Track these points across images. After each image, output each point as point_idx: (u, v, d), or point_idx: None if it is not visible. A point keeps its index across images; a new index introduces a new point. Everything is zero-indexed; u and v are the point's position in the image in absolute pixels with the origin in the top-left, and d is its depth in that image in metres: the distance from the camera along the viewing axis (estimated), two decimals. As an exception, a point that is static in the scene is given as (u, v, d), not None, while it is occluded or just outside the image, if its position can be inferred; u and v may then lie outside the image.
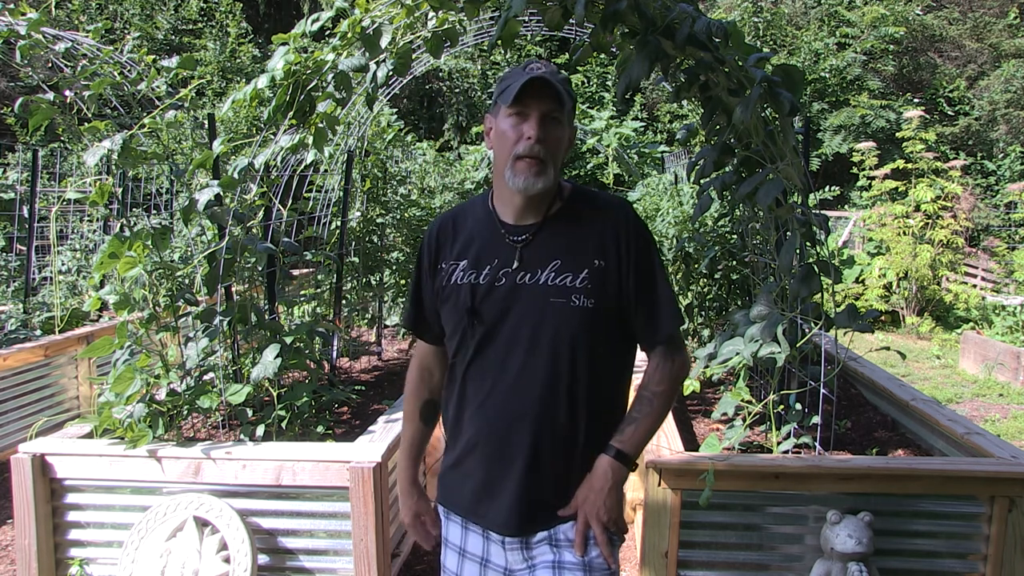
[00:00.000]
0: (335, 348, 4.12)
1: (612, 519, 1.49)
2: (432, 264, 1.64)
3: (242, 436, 2.77)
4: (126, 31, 11.84)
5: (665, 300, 1.56)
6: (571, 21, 2.71)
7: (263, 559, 2.58)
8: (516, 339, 1.52)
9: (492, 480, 1.55)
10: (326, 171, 4.46)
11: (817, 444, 2.59)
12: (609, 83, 13.70)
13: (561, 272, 1.52)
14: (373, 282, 4.93)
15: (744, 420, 2.68)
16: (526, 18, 3.92)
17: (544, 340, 1.50)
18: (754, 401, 2.64)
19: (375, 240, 4.91)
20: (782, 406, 2.71)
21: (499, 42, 2.44)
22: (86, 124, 3.07)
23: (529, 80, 1.45)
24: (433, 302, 1.64)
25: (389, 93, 4.50)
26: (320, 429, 2.98)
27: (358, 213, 4.70)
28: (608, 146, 9.83)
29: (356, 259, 4.76)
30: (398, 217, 4.91)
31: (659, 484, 2.40)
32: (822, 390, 2.54)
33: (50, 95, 2.89)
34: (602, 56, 2.94)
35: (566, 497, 1.53)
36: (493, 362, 1.54)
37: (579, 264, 1.52)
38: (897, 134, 10.35)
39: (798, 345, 2.52)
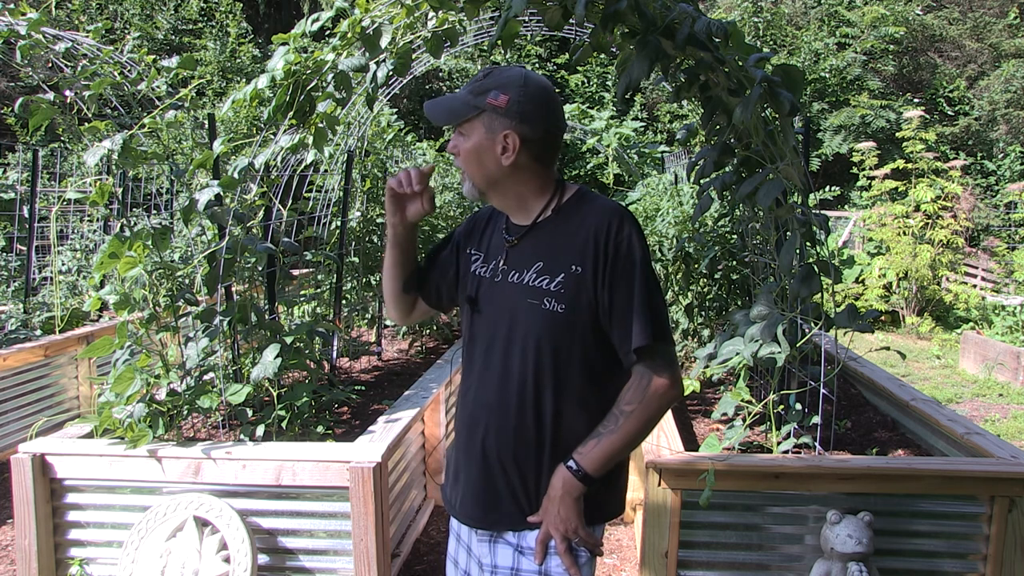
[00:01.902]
0: (335, 348, 4.11)
1: (571, 529, 1.48)
2: (462, 242, 1.72)
3: (242, 436, 2.77)
4: (126, 31, 11.85)
5: (642, 313, 1.48)
6: (571, 21, 2.71)
7: (263, 559, 2.58)
8: (497, 335, 1.56)
9: (459, 469, 1.62)
10: (326, 171, 4.46)
11: (817, 444, 2.59)
12: (609, 83, 13.71)
13: (541, 274, 1.53)
14: (373, 282, 4.93)
15: (744, 420, 2.68)
16: (526, 18, 3.92)
17: (516, 339, 1.53)
18: (754, 401, 2.64)
19: (375, 240, 4.91)
20: (782, 406, 2.71)
21: (499, 42, 2.44)
22: (86, 124, 3.07)
23: (424, 107, 1.57)
24: (442, 265, 1.74)
25: (389, 93, 4.50)
26: (320, 429, 2.98)
27: (358, 213, 4.70)
28: (608, 146, 9.83)
29: (356, 259, 4.76)
30: (398, 217, 4.90)
31: (659, 484, 2.40)
32: (822, 390, 2.54)
33: (50, 95, 2.89)
34: (602, 56, 2.94)
35: (535, 500, 1.54)
36: (480, 353, 1.60)
37: (557, 268, 1.52)
38: (897, 134, 10.36)
39: (798, 345, 2.52)
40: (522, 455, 1.53)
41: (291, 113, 2.82)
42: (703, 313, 4.20)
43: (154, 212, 6.83)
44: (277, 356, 2.75)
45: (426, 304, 1.81)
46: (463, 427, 1.62)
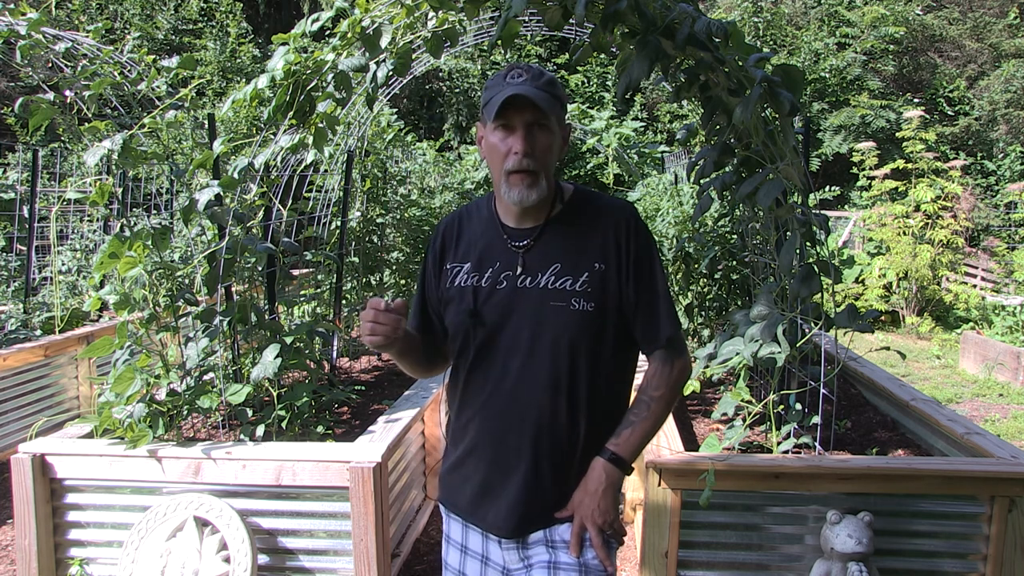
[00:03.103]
0: (335, 348, 4.11)
1: (607, 521, 1.49)
2: (437, 264, 1.66)
3: (242, 436, 2.77)
4: (126, 31, 11.85)
5: (664, 303, 1.55)
6: (571, 21, 2.71)
7: (263, 559, 2.58)
8: (516, 342, 1.52)
9: (491, 483, 1.56)
10: (326, 171, 4.46)
11: (817, 444, 2.59)
12: (609, 83, 13.71)
13: (561, 275, 1.52)
14: (373, 282, 4.93)
15: (744, 420, 2.68)
16: (526, 18, 3.92)
17: (544, 343, 1.51)
18: (754, 401, 2.64)
19: (375, 240, 4.91)
20: (782, 406, 2.71)
21: (499, 42, 2.44)
22: (86, 124, 3.07)
23: (510, 97, 1.45)
24: (437, 303, 1.66)
25: (389, 93, 4.50)
26: (320, 429, 2.98)
27: (358, 213, 4.70)
28: (608, 146, 9.82)
29: (356, 259, 4.76)
30: (398, 217, 4.91)
31: (659, 484, 2.40)
32: (822, 390, 2.54)
33: (50, 95, 2.89)
34: (602, 56, 2.94)
35: (564, 498, 1.54)
36: (494, 365, 1.55)
37: (579, 267, 1.52)
38: (897, 134, 10.36)
39: (798, 345, 2.52)
40: (558, 456, 1.53)
41: (291, 113, 2.81)
42: (703, 313, 4.20)
43: (154, 212, 6.83)
44: (277, 356, 2.75)
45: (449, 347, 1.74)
46: (491, 442, 1.56)
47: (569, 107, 10.45)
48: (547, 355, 1.51)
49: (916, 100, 14.04)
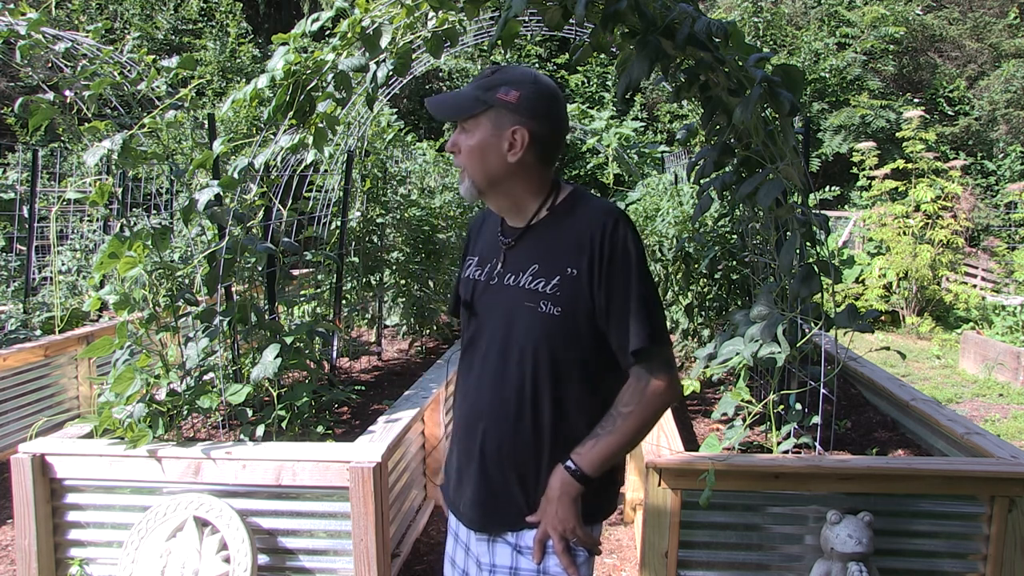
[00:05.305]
0: (335, 348, 4.11)
1: (568, 529, 1.48)
2: (464, 255, 1.75)
3: (242, 436, 2.77)
4: (126, 31, 11.85)
5: (638, 314, 1.46)
6: (571, 21, 2.71)
7: (263, 559, 2.58)
8: (493, 337, 1.56)
9: (462, 473, 1.61)
10: (326, 171, 4.46)
11: (817, 444, 2.59)
12: (609, 83, 13.72)
13: (537, 276, 1.52)
14: (373, 282, 4.93)
15: (744, 420, 2.68)
16: (526, 18, 3.92)
17: (513, 341, 1.53)
18: (754, 401, 2.64)
19: (375, 240, 4.91)
20: (782, 406, 2.71)
21: (499, 42, 2.44)
22: (86, 124, 3.07)
23: (425, 103, 1.55)
24: None
25: (389, 93, 4.50)
26: (320, 429, 2.98)
27: (358, 213, 4.70)
28: (608, 146, 9.83)
29: (356, 259, 4.76)
30: (398, 217, 4.91)
31: (659, 484, 2.40)
32: (822, 390, 2.54)
33: (50, 95, 2.89)
34: (602, 56, 2.94)
35: (534, 501, 1.54)
36: (476, 357, 1.59)
37: (552, 270, 1.51)
38: (897, 134, 10.36)
39: (798, 345, 2.52)
40: (520, 457, 1.53)
41: (291, 113, 2.81)
42: (703, 313, 4.20)
43: (154, 212, 6.83)
44: (277, 356, 2.75)
45: None
46: (462, 430, 1.62)
47: (569, 107, 10.48)
48: (515, 353, 1.52)
49: (916, 100, 14.05)
